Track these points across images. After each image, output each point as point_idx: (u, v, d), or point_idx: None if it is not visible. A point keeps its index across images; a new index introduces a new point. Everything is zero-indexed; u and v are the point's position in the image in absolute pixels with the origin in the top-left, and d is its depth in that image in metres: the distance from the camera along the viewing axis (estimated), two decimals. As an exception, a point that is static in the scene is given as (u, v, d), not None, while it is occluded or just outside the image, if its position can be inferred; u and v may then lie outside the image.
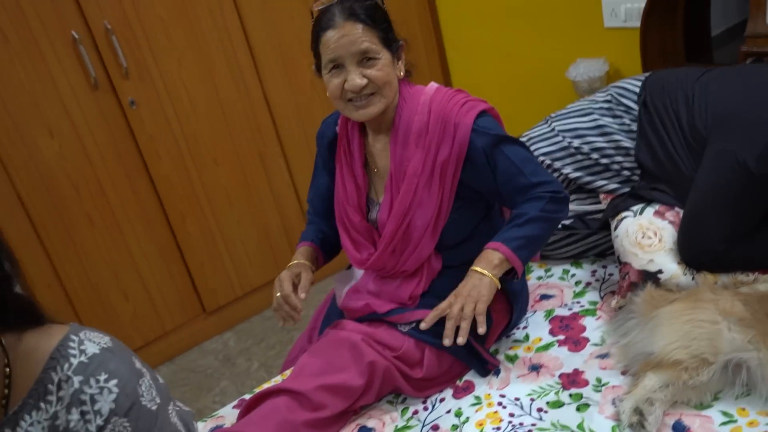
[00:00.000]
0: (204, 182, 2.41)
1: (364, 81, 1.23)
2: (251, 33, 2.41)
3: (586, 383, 1.22)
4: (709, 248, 1.34)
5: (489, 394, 1.26)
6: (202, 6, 2.27)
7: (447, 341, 1.22)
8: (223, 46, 2.36)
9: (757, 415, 1.04)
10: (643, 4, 1.94)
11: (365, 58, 1.23)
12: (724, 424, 1.04)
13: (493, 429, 1.16)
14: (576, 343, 1.35)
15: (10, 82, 1.98)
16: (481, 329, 1.20)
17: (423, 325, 1.26)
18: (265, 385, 1.42)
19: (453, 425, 1.22)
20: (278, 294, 1.34)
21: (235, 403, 1.47)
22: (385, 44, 1.26)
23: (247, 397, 1.40)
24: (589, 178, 1.63)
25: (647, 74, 1.61)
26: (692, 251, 1.37)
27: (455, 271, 1.37)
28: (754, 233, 1.34)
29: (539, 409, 1.19)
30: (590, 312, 1.46)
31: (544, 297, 1.56)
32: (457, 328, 1.21)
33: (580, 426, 1.11)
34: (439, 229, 1.36)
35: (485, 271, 1.23)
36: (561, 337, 1.39)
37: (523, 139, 1.68)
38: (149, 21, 2.16)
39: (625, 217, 1.47)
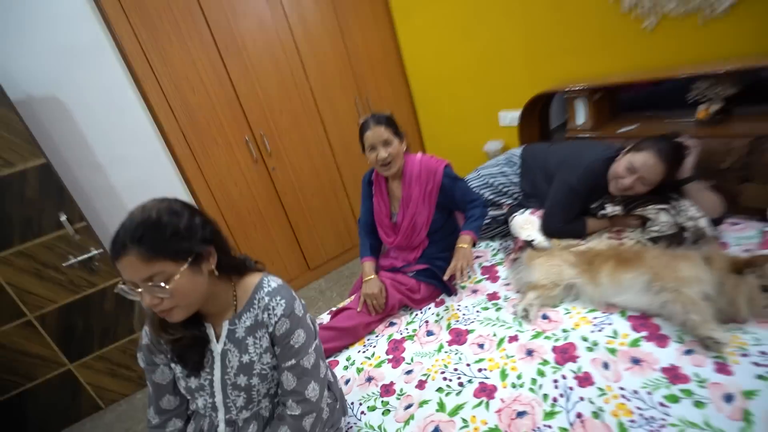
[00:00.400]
0: (306, 200, 2.81)
1: (386, 154, 1.47)
2: (330, 133, 2.83)
3: (499, 297, 1.52)
4: (555, 226, 1.60)
5: (453, 306, 1.54)
6: (304, 121, 2.69)
7: (456, 280, 1.52)
8: (316, 136, 2.77)
9: (581, 309, 1.33)
10: (518, 115, 2.25)
11: (386, 142, 1.47)
12: (567, 313, 1.33)
13: (455, 322, 1.46)
14: (492, 278, 1.66)
15: (218, 161, 2.42)
16: (465, 279, 1.54)
17: (445, 276, 1.52)
18: (341, 304, 1.68)
19: (435, 320, 1.51)
20: (371, 293, 1.51)
21: (325, 314, 1.71)
22: (396, 135, 1.50)
23: (333, 309, 1.68)
24: (497, 198, 1.92)
25: (524, 146, 1.91)
26: (548, 228, 1.62)
27: (434, 244, 1.64)
28: (574, 219, 1.59)
29: (477, 311, 1.48)
30: (500, 263, 1.76)
31: (477, 257, 1.83)
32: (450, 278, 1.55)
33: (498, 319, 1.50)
34: (429, 224, 1.59)
35: (466, 246, 1.50)
36: (487, 275, 1.68)
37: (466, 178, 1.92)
38: (280, 128, 2.61)
39: (515, 215, 1.76)
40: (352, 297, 1.68)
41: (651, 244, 1.45)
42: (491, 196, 1.91)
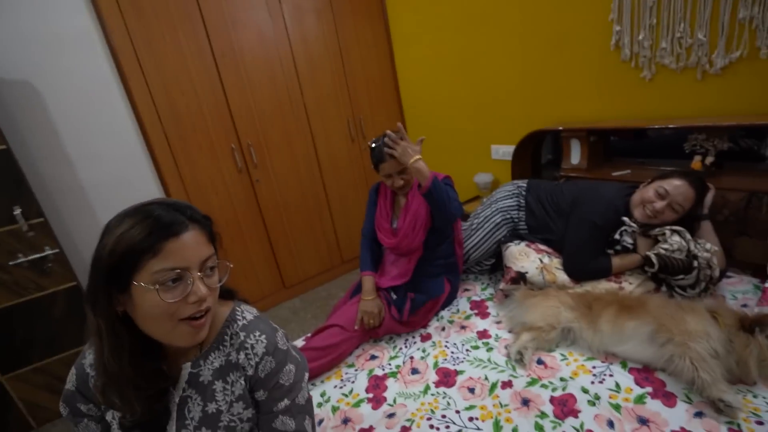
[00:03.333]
0: (288, 216, 2.66)
1: (402, 182, 1.51)
2: (320, 151, 2.71)
3: (490, 336, 1.41)
4: (580, 265, 1.47)
5: (440, 341, 1.43)
6: (295, 136, 2.58)
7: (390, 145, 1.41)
8: (305, 152, 2.64)
9: (578, 355, 1.24)
10: (512, 151, 2.21)
11: (402, 171, 1.49)
12: (563, 359, 1.23)
13: (443, 360, 1.33)
14: (482, 313, 1.56)
15: (200, 167, 2.28)
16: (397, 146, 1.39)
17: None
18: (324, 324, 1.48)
19: (421, 356, 1.37)
20: (370, 311, 1.46)
21: (302, 338, 1.56)
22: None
23: (309, 334, 1.52)
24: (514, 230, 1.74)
25: (528, 180, 1.78)
26: (573, 267, 1.48)
27: (426, 261, 1.59)
28: (599, 257, 1.46)
29: (467, 350, 1.36)
30: (489, 299, 1.66)
31: (466, 290, 1.75)
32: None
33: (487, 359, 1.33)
34: (427, 226, 1.54)
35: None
36: (476, 310, 1.58)
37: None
38: (268, 140, 2.48)
39: (510, 245, 1.66)
40: (336, 314, 1.56)
41: (652, 267, 1.36)
42: (507, 230, 1.74)
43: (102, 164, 2.12)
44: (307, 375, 0.84)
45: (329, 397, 1.28)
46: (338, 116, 2.78)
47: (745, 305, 1.31)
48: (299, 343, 1.52)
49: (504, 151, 2.45)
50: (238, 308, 0.80)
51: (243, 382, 0.76)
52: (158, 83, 2.12)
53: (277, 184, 2.61)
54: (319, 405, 1.26)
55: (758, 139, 1.78)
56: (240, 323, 0.77)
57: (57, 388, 2.00)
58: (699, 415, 0.98)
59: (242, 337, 0.75)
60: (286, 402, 0.78)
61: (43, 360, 1.94)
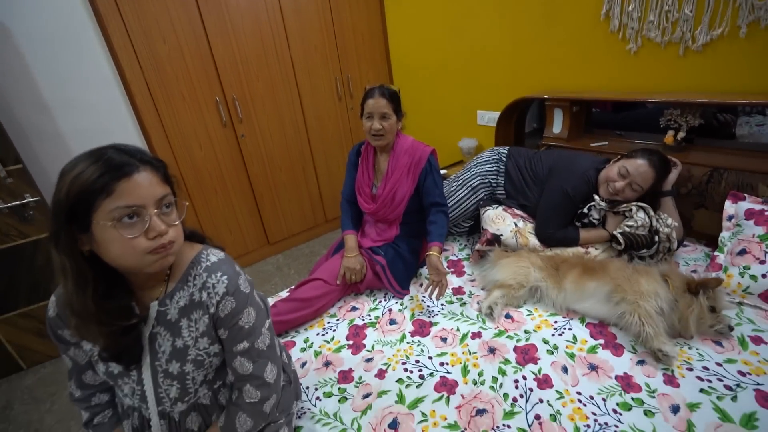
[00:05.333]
0: (273, 173, 2.64)
1: (380, 127, 1.47)
2: (306, 108, 2.66)
3: (464, 292, 1.50)
4: (549, 231, 1.54)
5: (418, 296, 1.49)
6: (281, 91, 2.51)
7: (434, 296, 1.41)
8: (290, 109, 2.59)
9: (543, 311, 1.33)
10: (497, 116, 2.23)
11: (384, 116, 1.47)
12: (529, 314, 1.32)
13: (419, 313, 1.41)
14: (458, 272, 1.64)
15: (183, 119, 2.22)
16: (442, 295, 1.40)
17: (426, 293, 1.42)
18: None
19: (399, 309, 1.45)
20: (352, 268, 1.49)
21: (286, 290, 1.60)
22: (395, 112, 1.49)
23: (293, 286, 1.54)
24: (492, 194, 1.80)
25: (510, 148, 1.82)
26: (542, 233, 1.55)
27: (408, 225, 1.62)
28: (568, 225, 1.55)
29: (442, 305, 1.44)
30: (466, 258, 1.73)
31: (445, 250, 1.79)
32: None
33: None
34: (407, 200, 1.55)
35: (436, 255, 1.42)
36: (452, 269, 1.66)
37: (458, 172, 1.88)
38: (254, 95, 2.42)
39: (488, 209, 1.71)
40: (319, 269, 1.58)
41: (620, 245, 1.45)
42: (485, 194, 1.80)
43: (81, 112, 2.05)
44: (269, 322, 0.87)
45: (312, 343, 1.36)
46: (326, 73, 2.71)
47: (694, 271, 1.43)
48: (283, 294, 1.56)
49: (489, 117, 2.47)
50: (204, 251, 0.82)
51: (206, 320, 0.79)
52: (138, 28, 2.01)
53: (263, 140, 2.57)
54: (303, 350, 1.34)
55: (735, 114, 1.86)
56: (204, 264, 0.79)
57: (45, 333, 2.04)
58: (641, 362, 1.11)
59: (204, 278, 0.78)
60: (245, 344, 0.81)
61: (30, 306, 1.96)
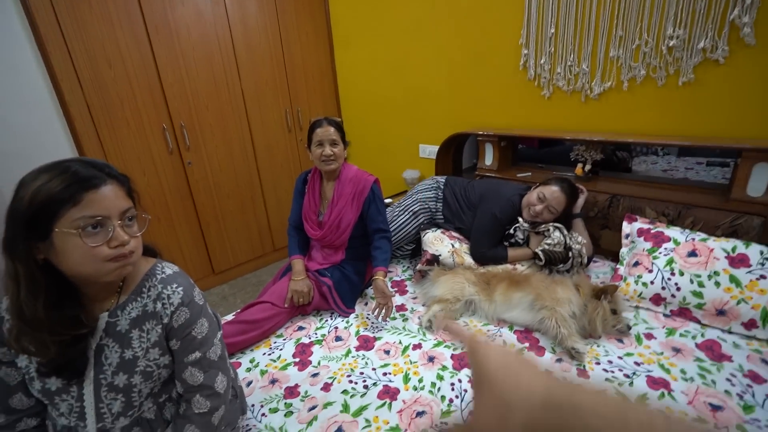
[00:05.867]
0: (221, 201, 2.63)
1: (330, 152, 1.55)
2: (255, 137, 2.71)
3: (406, 309, 1.57)
4: (482, 250, 1.68)
5: (362, 314, 1.57)
6: (230, 121, 2.56)
7: (379, 317, 1.48)
8: (240, 138, 2.63)
9: (477, 322, 1.45)
10: (437, 150, 2.42)
11: (333, 143, 1.55)
12: (465, 325, 1.37)
13: (364, 329, 1.47)
14: (401, 291, 1.73)
15: (127, 146, 2.19)
16: (388, 317, 1.49)
17: (374, 314, 1.49)
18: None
19: (345, 326, 1.50)
20: (300, 290, 1.52)
21: (232, 313, 1.55)
22: (342, 140, 1.59)
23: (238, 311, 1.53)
24: (433, 219, 1.93)
25: (446, 177, 1.99)
26: (476, 252, 1.69)
27: (353, 249, 1.69)
28: (498, 245, 1.71)
29: (385, 321, 1.49)
30: (409, 279, 1.84)
31: (389, 272, 1.87)
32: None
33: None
34: (352, 226, 1.63)
35: (382, 279, 1.53)
36: (396, 288, 1.76)
37: (400, 199, 2.00)
38: (203, 123, 2.44)
39: (428, 232, 1.84)
40: (267, 292, 1.60)
41: (540, 261, 1.63)
42: (425, 219, 1.93)
43: (9, 132, 1.94)
44: (220, 333, 0.90)
45: (258, 363, 1.37)
46: (276, 105, 2.81)
47: (602, 282, 1.65)
48: (229, 317, 1.55)
49: (430, 150, 2.69)
50: (159, 264, 0.84)
51: (159, 330, 0.80)
52: (81, 51, 2.00)
53: (210, 168, 2.58)
54: (248, 369, 1.34)
55: (630, 154, 2.21)
56: (159, 276, 0.82)
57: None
58: (559, 360, 1.26)
59: (160, 289, 0.80)
60: (197, 354, 0.83)
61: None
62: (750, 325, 1.28)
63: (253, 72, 2.65)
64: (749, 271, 1.32)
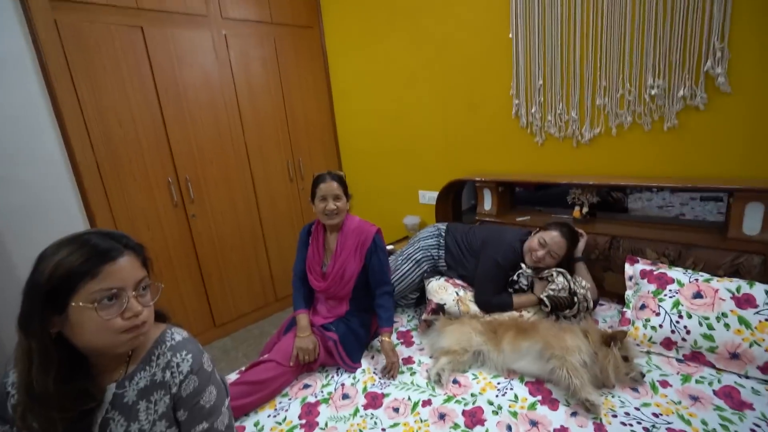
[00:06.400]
0: (223, 252, 2.64)
1: (334, 207, 1.59)
2: (258, 189, 2.78)
3: (414, 361, 1.55)
4: (486, 297, 1.68)
5: (369, 368, 1.54)
6: (234, 174, 2.63)
7: (387, 377, 1.47)
8: (243, 190, 2.69)
9: (486, 374, 1.42)
10: (436, 195, 2.47)
11: (336, 197, 1.59)
12: (474, 378, 1.41)
13: (371, 385, 1.45)
14: (407, 342, 1.71)
15: (133, 199, 2.23)
16: (397, 374, 1.48)
17: (383, 374, 1.48)
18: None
19: (351, 383, 1.47)
20: (305, 348, 1.50)
21: (236, 371, 1.54)
22: (345, 194, 1.63)
23: (243, 368, 1.51)
24: (435, 267, 1.93)
25: (448, 224, 2.01)
26: (480, 299, 1.69)
27: (357, 300, 1.68)
28: (502, 292, 1.70)
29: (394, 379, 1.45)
30: (414, 329, 1.81)
31: (394, 322, 1.76)
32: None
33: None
34: (356, 277, 1.63)
35: (388, 339, 1.55)
36: (402, 339, 1.73)
37: (404, 247, 2.01)
38: (207, 176, 2.51)
39: (431, 281, 1.84)
40: (269, 353, 1.57)
41: (546, 307, 1.62)
42: (428, 267, 1.93)
43: (19, 187, 1.99)
44: (228, 400, 0.88)
45: (263, 426, 1.32)
46: (278, 157, 2.91)
47: (611, 327, 1.63)
48: (233, 377, 1.51)
49: (430, 196, 2.74)
50: (169, 330, 0.83)
51: (167, 401, 0.78)
52: (94, 112, 2.09)
53: (214, 220, 2.61)
54: (250, 437, 1.29)
55: (624, 193, 2.26)
56: (168, 344, 0.81)
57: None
58: (574, 414, 1.22)
59: (169, 357, 0.79)
60: (204, 425, 0.81)
61: None
62: (766, 369, 1.25)
63: (257, 127, 2.76)
64: (757, 312, 1.32)
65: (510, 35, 2.08)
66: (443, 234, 1.98)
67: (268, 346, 1.69)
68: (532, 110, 2.11)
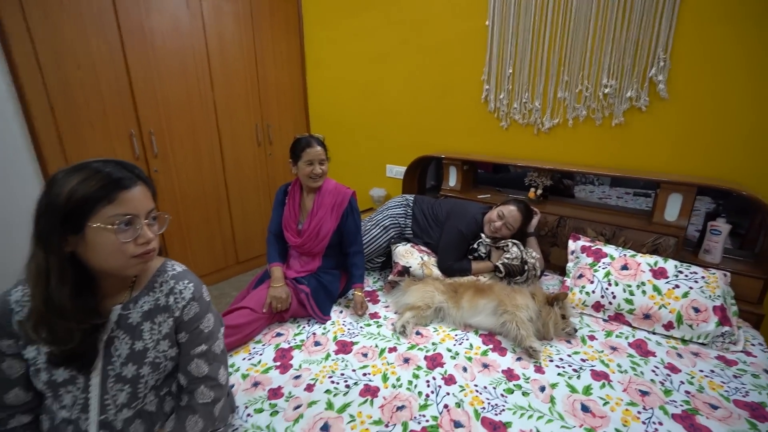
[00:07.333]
0: (186, 211, 2.60)
1: (320, 171, 1.66)
2: (225, 149, 2.74)
3: (380, 316, 1.67)
4: (448, 263, 1.83)
5: (339, 321, 1.65)
6: (201, 131, 2.59)
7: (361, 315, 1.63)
8: (209, 149, 2.64)
9: (446, 327, 1.57)
10: (404, 170, 2.61)
11: (322, 161, 1.67)
12: (435, 331, 1.55)
13: (341, 335, 1.55)
14: (374, 300, 1.81)
15: (90, 147, 2.13)
16: (365, 312, 1.65)
17: (354, 310, 1.65)
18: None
19: (322, 332, 1.57)
20: (279, 296, 1.57)
21: None
22: (327, 158, 1.70)
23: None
24: (402, 234, 2.05)
25: (415, 196, 2.15)
26: (443, 264, 1.84)
27: (330, 258, 1.77)
28: (463, 258, 1.87)
29: (361, 327, 1.60)
30: (380, 289, 1.94)
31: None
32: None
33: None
34: (330, 235, 1.71)
35: (359, 293, 1.69)
36: (369, 298, 1.83)
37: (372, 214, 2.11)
38: (172, 132, 2.45)
39: (398, 245, 1.98)
40: (246, 298, 1.63)
41: (501, 273, 1.82)
42: (395, 233, 2.06)
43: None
44: (222, 329, 0.97)
45: (239, 368, 1.40)
46: (247, 119, 2.87)
47: (553, 292, 1.87)
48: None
49: (397, 170, 2.87)
50: (169, 262, 0.91)
51: (170, 323, 0.86)
52: (49, 51, 1.96)
53: (177, 177, 2.55)
54: (229, 374, 1.36)
55: (573, 182, 2.53)
56: (170, 273, 0.88)
57: None
58: (519, 359, 1.43)
59: (172, 284, 0.86)
60: (203, 347, 0.89)
61: None
62: (668, 326, 1.54)
63: (227, 85, 2.70)
64: (667, 282, 1.61)
65: (487, 23, 2.22)
66: (411, 204, 2.12)
67: (237, 299, 1.73)
68: (501, 96, 2.29)
